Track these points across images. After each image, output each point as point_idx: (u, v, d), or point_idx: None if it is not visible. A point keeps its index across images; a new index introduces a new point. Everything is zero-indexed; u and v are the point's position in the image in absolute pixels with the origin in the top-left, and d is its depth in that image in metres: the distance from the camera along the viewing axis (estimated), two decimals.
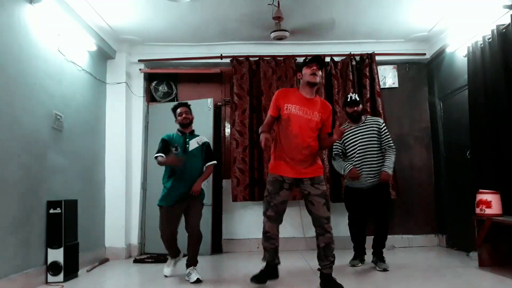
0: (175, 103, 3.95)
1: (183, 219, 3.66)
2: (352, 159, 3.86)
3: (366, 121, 3.92)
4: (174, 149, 3.60)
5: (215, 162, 3.77)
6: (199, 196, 3.64)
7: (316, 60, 3.04)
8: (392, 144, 3.90)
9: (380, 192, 3.83)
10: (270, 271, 3.17)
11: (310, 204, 3.01)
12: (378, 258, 3.82)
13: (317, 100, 3.11)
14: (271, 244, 3.10)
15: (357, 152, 3.83)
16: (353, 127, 3.89)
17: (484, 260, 3.67)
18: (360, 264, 3.95)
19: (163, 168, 3.69)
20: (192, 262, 3.53)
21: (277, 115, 3.08)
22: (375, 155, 3.83)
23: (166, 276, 3.69)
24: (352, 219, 4.01)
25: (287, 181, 3.03)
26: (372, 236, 3.95)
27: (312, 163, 3.06)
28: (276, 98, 3.10)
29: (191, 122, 3.74)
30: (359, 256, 3.99)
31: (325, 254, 3.00)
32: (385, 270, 3.67)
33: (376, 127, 3.88)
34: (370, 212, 3.98)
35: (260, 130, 3.07)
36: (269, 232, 3.08)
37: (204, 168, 3.70)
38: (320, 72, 3.05)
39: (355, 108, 3.87)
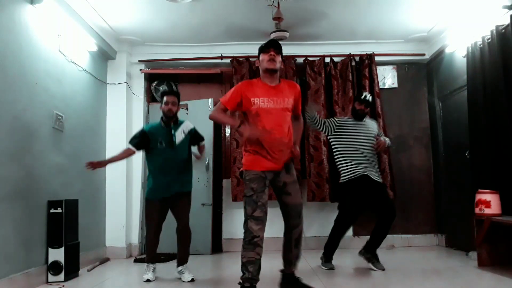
0: (166, 88, 3.72)
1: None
2: (355, 153, 3.77)
3: (366, 121, 3.94)
4: (159, 143, 3.49)
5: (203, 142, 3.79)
6: (187, 193, 3.60)
7: (273, 45, 2.73)
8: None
9: (383, 189, 3.87)
10: None
11: (286, 195, 2.77)
12: (375, 258, 3.76)
13: (283, 84, 2.82)
14: (256, 254, 2.61)
15: (362, 147, 3.78)
16: (356, 122, 3.87)
17: (483, 259, 3.68)
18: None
19: None
20: (184, 260, 3.57)
21: (233, 109, 2.78)
22: (375, 154, 3.87)
23: (150, 280, 3.49)
24: (349, 217, 3.81)
25: (268, 177, 2.74)
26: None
27: (289, 151, 2.79)
28: (238, 90, 2.75)
29: (175, 115, 3.57)
30: (331, 258, 3.88)
31: (296, 245, 2.78)
32: (383, 269, 3.67)
33: (375, 128, 3.96)
34: (361, 212, 3.91)
35: (229, 121, 2.92)
36: (257, 236, 2.59)
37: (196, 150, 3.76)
38: (279, 58, 2.73)
39: (363, 108, 3.86)
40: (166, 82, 5.40)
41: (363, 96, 3.90)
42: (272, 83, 2.77)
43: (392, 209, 3.74)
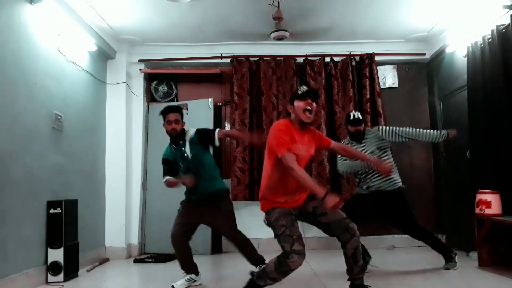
0: (166, 105, 3.48)
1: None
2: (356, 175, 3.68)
3: (366, 137, 3.68)
4: (179, 167, 3.30)
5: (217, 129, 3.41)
6: (223, 192, 3.42)
7: (311, 94, 2.64)
8: (404, 128, 3.65)
9: (393, 198, 3.60)
10: None
11: (322, 216, 2.61)
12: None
13: (308, 132, 2.77)
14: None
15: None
16: (354, 144, 3.65)
17: (484, 260, 3.68)
18: None
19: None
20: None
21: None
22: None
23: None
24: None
25: (293, 213, 2.63)
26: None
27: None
28: (286, 130, 2.59)
29: (180, 132, 3.33)
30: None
31: (355, 261, 2.62)
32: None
33: (376, 139, 3.66)
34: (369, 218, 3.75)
35: (317, 189, 2.41)
36: (293, 270, 2.49)
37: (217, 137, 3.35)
38: (314, 105, 2.64)
39: (358, 127, 3.61)
40: (165, 82, 5.40)
41: (351, 118, 3.64)
42: (303, 129, 2.70)
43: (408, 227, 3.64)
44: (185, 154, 3.32)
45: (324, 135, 2.94)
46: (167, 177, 3.28)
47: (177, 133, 3.32)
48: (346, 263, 2.66)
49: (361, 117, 3.64)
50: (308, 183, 2.47)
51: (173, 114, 3.31)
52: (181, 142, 3.34)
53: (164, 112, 3.34)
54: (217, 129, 3.39)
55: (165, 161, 3.34)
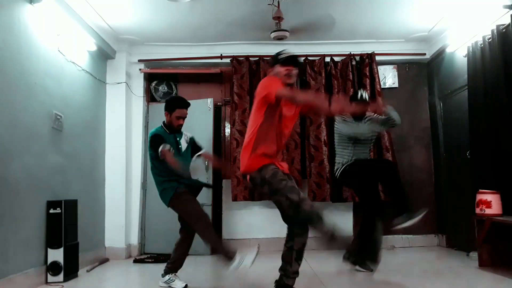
0: (179, 97, 3.51)
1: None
2: (351, 149, 3.70)
3: (370, 117, 3.83)
4: (170, 150, 3.18)
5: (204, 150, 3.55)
6: None
7: (293, 62, 2.60)
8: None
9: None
10: None
11: None
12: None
13: None
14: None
15: (360, 143, 3.72)
16: (355, 122, 3.76)
17: (484, 260, 3.67)
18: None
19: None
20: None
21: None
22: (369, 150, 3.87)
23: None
24: (375, 205, 3.58)
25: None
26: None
27: None
28: (276, 80, 2.57)
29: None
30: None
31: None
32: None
33: (376, 123, 3.84)
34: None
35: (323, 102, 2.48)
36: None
37: (194, 159, 3.43)
38: (295, 71, 2.61)
39: (362, 107, 3.68)
40: (165, 82, 5.39)
41: (359, 96, 3.72)
42: None
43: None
44: (179, 146, 3.38)
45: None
46: (167, 146, 3.11)
47: (180, 128, 3.41)
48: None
49: (367, 99, 3.71)
50: (317, 100, 2.59)
51: (184, 111, 3.36)
52: (176, 133, 3.40)
53: (181, 105, 3.34)
54: (204, 149, 3.54)
55: (159, 137, 3.21)
